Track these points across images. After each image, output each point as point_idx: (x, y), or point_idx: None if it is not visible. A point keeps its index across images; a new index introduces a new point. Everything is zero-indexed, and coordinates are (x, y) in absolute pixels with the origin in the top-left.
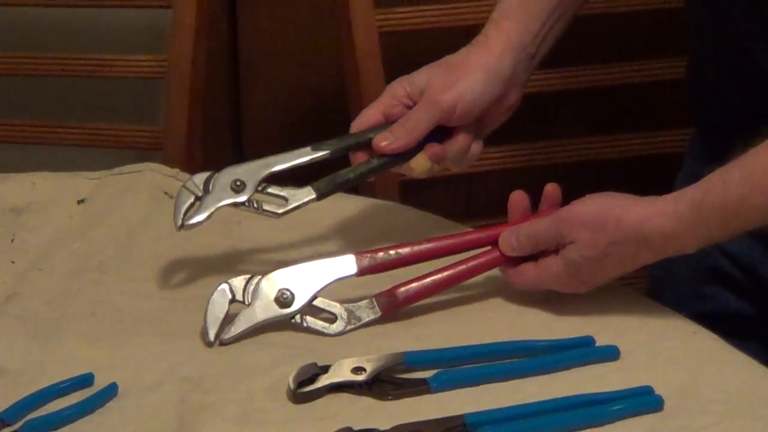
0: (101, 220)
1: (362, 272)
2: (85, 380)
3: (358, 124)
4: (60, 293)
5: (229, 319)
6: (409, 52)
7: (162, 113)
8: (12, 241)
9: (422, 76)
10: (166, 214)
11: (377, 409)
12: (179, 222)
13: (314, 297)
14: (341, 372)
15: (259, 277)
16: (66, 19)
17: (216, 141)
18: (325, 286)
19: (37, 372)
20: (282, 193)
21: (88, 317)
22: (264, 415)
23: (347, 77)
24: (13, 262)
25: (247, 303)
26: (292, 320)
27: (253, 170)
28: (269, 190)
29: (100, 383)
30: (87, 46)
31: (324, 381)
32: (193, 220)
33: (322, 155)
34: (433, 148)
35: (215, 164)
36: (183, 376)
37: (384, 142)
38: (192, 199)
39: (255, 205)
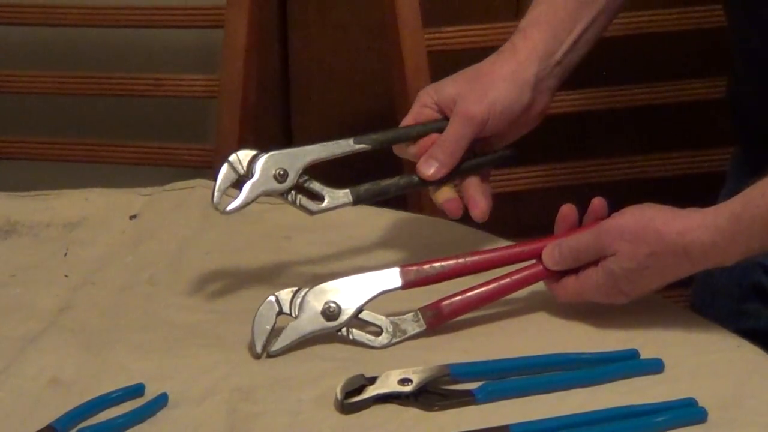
0: (153, 235)
1: (407, 285)
2: (136, 390)
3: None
4: (112, 306)
5: (276, 332)
6: (458, 70)
7: (213, 132)
8: (65, 255)
9: (450, 88)
10: (216, 229)
11: (423, 420)
12: (218, 199)
13: (360, 310)
14: (388, 383)
15: (306, 289)
16: (119, 40)
17: None
18: (371, 299)
19: (89, 382)
20: (321, 192)
21: (139, 329)
22: (312, 425)
23: (396, 96)
24: (66, 276)
25: (294, 315)
26: (339, 333)
27: (296, 158)
28: (310, 185)
29: (150, 393)
30: (140, 66)
31: (371, 392)
32: (232, 206)
33: (364, 147)
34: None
35: None
36: (232, 387)
37: (430, 170)
38: (234, 178)
39: (291, 198)
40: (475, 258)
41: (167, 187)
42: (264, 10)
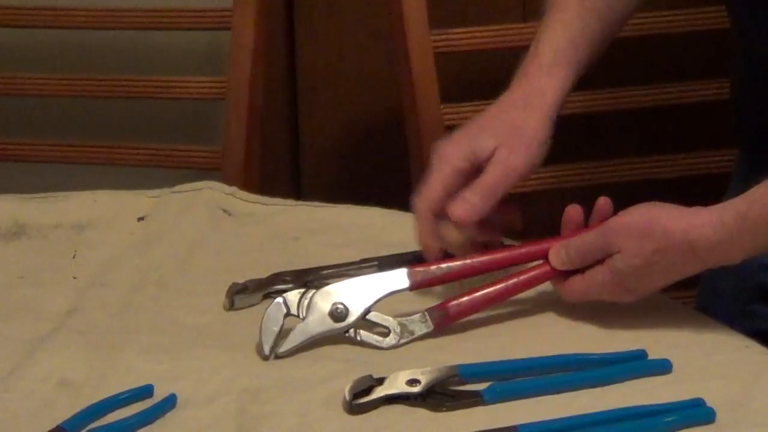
0: (161, 237)
1: (415, 286)
2: (145, 391)
3: (425, 199)
4: (120, 308)
5: (284, 333)
6: (465, 72)
7: (221, 134)
8: (74, 257)
9: (487, 141)
10: (224, 230)
11: (431, 421)
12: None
13: (368, 311)
14: (396, 384)
15: (314, 291)
16: (127, 42)
17: (274, 162)
18: (379, 300)
19: (98, 383)
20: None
21: (148, 331)
22: (320, 425)
23: (404, 98)
24: (74, 278)
25: (301, 317)
26: (346, 334)
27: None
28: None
29: (159, 394)
30: (147, 69)
31: (379, 393)
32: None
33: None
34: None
35: (273, 185)
36: (241, 387)
37: (461, 210)
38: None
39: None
40: (483, 259)
41: (175, 188)
42: (271, 12)
